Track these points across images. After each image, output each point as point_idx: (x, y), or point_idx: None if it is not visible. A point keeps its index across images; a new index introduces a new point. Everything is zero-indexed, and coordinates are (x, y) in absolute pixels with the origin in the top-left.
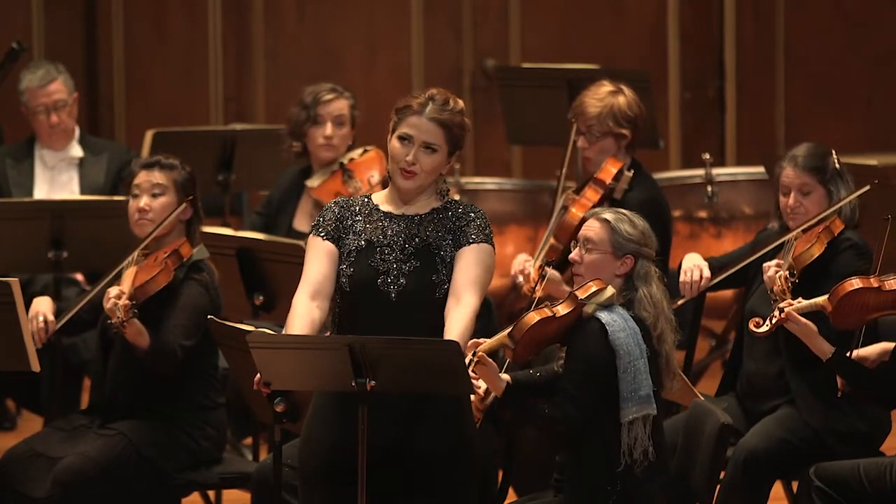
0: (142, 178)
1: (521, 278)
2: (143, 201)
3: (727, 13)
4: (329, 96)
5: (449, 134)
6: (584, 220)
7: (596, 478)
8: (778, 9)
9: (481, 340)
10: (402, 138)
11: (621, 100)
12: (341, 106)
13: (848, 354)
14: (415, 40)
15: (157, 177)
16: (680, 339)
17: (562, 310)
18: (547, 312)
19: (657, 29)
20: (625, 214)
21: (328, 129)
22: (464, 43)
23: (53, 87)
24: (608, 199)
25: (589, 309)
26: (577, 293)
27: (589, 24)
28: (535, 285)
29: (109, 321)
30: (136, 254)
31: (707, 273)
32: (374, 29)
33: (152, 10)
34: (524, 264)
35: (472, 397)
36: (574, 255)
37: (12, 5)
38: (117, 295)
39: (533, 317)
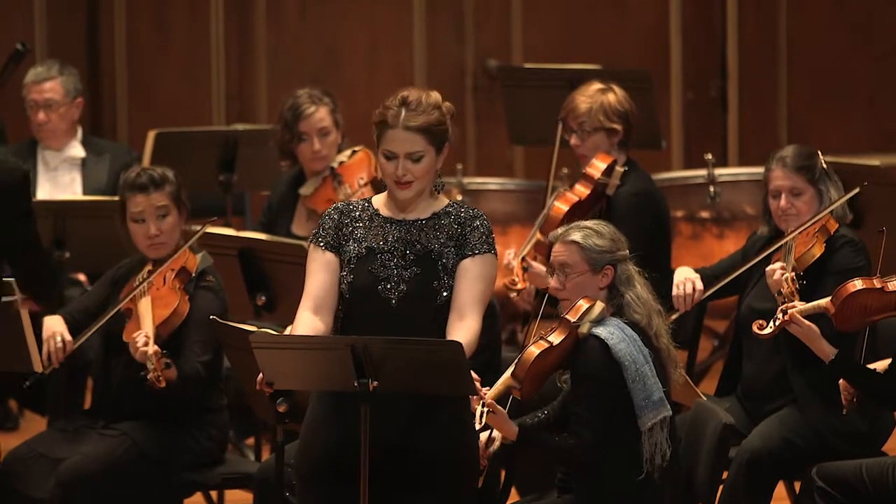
0: (142, 202)
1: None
2: (153, 228)
3: (729, 13)
4: (309, 110)
5: (430, 136)
6: (566, 220)
7: (614, 486)
8: (780, 8)
9: (486, 389)
10: (386, 156)
11: (611, 97)
12: (322, 116)
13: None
14: (417, 40)
15: (157, 198)
16: (674, 324)
17: (557, 338)
18: (544, 344)
19: (659, 29)
20: (589, 228)
21: (315, 144)
22: (466, 43)
23: (47, 86)
24: (601, 195)
25: (584, 329)
26: (567, 317)
27: (591, 23)
28: (518, 279)
29: (144, 373)
30: (144, 284)
31: (700, 286)
32: (377, 28)
33: (154, 10)
34: (507, 257)
35: (481, 444)
36: (554, 283)
37: (14, 6)
38: (144, 342)
39: (532, 352)
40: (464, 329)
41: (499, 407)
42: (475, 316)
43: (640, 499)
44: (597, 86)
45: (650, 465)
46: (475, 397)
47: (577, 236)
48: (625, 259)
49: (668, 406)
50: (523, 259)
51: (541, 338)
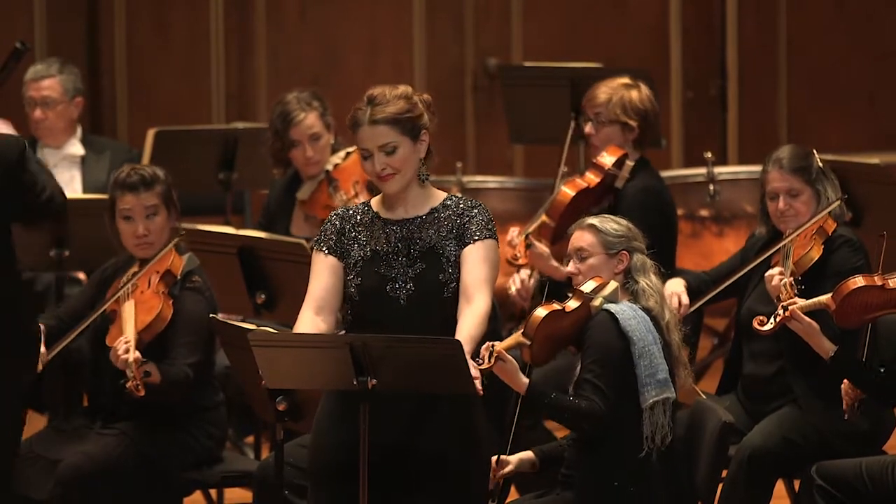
0: (131, 201)
1: (514, 285)
2: (141, 227)
3: (729, 12)
4: (299, 117)
5: (399, 126)
6: (572, 205)
7: (613, 467)
8: (780, 7)
9: (495, 343)
10: (364, 156)
11: (634, 93)
12: (312, 123)
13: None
14: (417, 39)
15: (147, 198)
16: (685, 332)
17: (571, 304)
18: (556, 307)
19: (659, 28)
20: (606, 216)
21: (307, 150)
22: (466, 42)
23: (45, 83)
24: (610, 188)
25: (596, 302)
26: (580, 289)
27: (591, 22)
28: (519, 255)
29: (123, 381)
30: (129, 285)
31: (685, 300)
32: (377, 28)
33: (154, 9)
34: (512, 236)
35: (493, 465)
36: (571, 268)
37: (14, 6)
38: (125, 349)
39: (542, 311)
40: (472, 311)
41: (508, 356)
42: (483, 296)
43: (638, 478)
44: (623, 80)
45: (650, 444)
46: (484, 347)
47: (593, 220)
48: (641, 251)
49: (673, 389)
50: (527, 237)
51: (554, 302)
